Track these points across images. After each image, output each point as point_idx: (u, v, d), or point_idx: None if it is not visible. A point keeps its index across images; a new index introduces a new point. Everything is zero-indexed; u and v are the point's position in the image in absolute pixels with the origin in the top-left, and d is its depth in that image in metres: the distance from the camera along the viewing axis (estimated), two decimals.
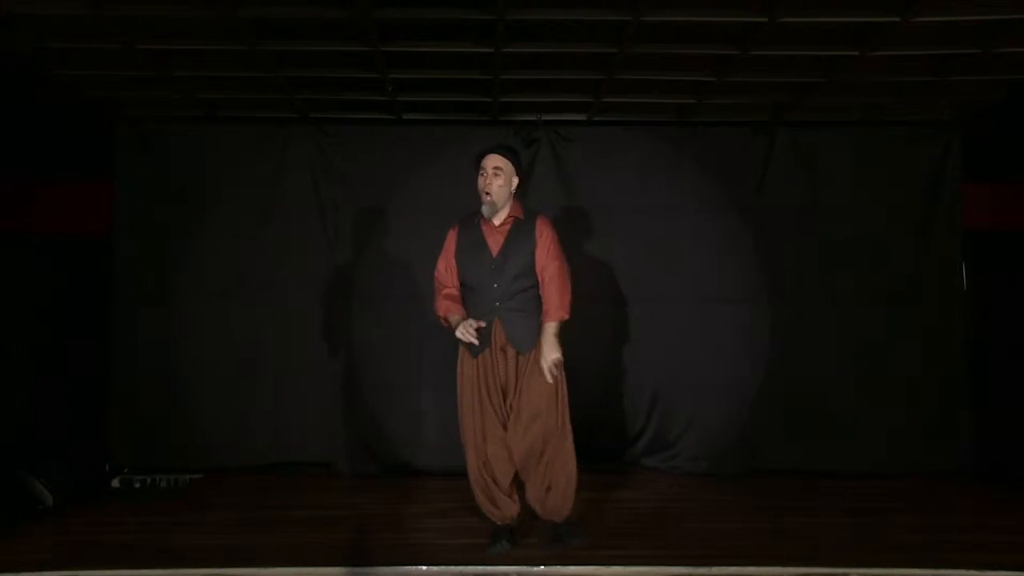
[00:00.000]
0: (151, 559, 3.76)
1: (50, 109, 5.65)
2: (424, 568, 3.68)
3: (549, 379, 3.85)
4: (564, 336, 3.92)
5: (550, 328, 3.87)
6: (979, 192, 5.92)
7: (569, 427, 3.97)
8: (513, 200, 4.04)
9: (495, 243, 3.95)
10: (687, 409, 5.80)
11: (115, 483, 5.33)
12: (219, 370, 5.73)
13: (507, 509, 4.01)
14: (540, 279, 3.94)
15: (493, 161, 3.93)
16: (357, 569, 3.65)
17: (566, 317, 3.91)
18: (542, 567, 3.71)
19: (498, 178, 3.91)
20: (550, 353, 3.83)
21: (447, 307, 4.00)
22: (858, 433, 5.70)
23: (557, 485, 3.95)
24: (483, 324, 3.85)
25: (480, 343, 3.89)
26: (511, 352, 3.92)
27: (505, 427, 3.92)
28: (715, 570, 3.64)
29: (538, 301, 3.94)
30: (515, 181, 4.02)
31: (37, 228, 5.83)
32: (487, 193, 3.93)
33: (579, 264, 5.54)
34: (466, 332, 3.82)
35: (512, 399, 3.93)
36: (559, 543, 3.98)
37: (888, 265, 5.81)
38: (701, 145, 5.89)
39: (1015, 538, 4.13)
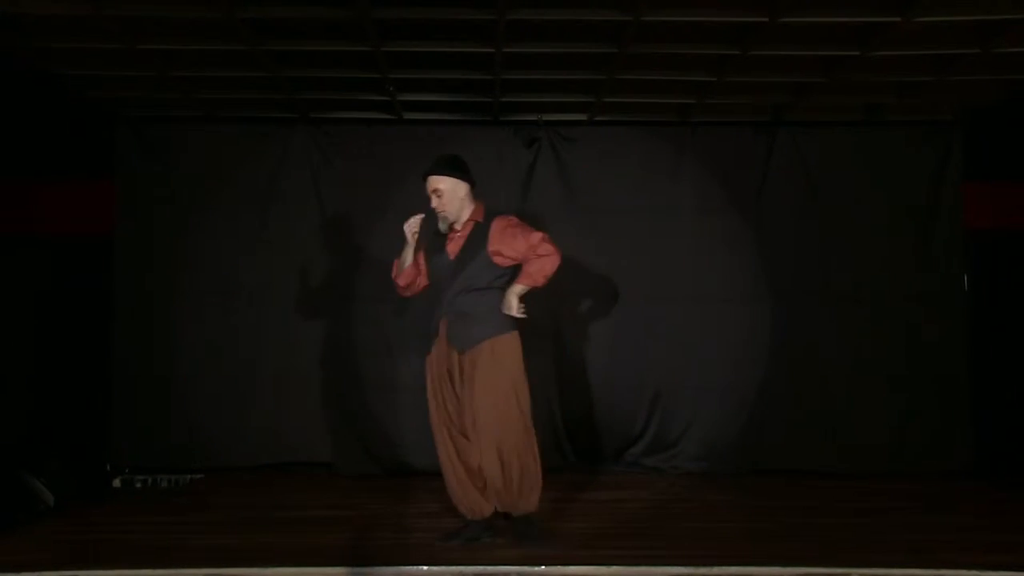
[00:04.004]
0: (151, 559, 3.75)
1: (51, 109, 5.65)
2: (424, 568, 3.67)
3: (515, 309, 3.89)
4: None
5: (515, 288, 3.91)
6: (979, 192, 5.92)
7: (528, 420, 3.95)
8: (474, 204, 4.06)
9: (454, 247, 4.03)
10: (687, 409, 5.80)
11: (116, 483, 5.34)
12: (219, 370, 5.73)
13: (478, 505, 3.98)
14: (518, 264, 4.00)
15: (432, 184, 4.00)
16: (357, 569, 3.64)
17: (537, 285, 3.94)
18: (542, 567, 3.70)
19: (442, 197, 3.98)
20: (511, 295, 3.89)
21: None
22: (858, 433, 5.70)
23: (511, 477, 3.91)
24: (423, 215, 4.06)
25: (430, 338, 4.08)
26: (454, 351, 3.98)
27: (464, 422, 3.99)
28: (715, 570, 3.63)
29: (491, 302, 3.94)
30: (463, 189, 4.02)
31: (37, 228, 5.83)
32: (440, 211, 4.02)
33: (579, 264, 5.57)
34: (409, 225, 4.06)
35: (463, 399, 3.98)
36: (525, 541, 3.94)
37: (888, 265, 5.81)
38: (701, 145, 5.89)
39: (1015, 538, 4.12)
